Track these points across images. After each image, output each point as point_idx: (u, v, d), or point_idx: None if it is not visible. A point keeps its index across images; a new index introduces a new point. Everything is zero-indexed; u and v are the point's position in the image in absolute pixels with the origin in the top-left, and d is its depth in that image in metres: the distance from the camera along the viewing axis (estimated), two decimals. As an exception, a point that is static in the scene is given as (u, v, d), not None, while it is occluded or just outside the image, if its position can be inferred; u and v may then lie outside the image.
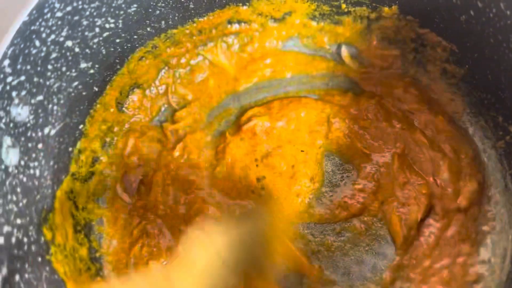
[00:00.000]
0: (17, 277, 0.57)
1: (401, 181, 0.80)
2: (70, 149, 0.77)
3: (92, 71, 0.76)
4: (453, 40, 0.81)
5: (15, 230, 0.60)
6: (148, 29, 0.81)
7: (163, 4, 0.79)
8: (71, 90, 0.73)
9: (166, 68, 0.89)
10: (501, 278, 0.76)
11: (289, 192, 0.82)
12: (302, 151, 0.84)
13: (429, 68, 0.87)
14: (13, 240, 0.59)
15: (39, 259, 0.64)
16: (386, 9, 0.84)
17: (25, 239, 0.61)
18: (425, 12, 0.80)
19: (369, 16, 0.86)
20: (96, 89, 0.79)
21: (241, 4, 0.87)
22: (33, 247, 0.63)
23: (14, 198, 0.61)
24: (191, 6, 0.83)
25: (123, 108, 0.86)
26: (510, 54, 0.69)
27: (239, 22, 0.89)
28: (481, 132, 0.83)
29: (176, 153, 0.85)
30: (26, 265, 0.60)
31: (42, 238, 0.66)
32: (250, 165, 0.84)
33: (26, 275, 0.59)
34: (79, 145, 0.78)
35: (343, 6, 0.86)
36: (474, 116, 0.84)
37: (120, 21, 0.75)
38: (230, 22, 0.89)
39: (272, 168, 0.83)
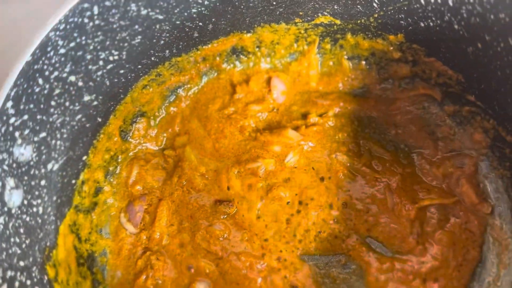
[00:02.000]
0: (19, 323, 0.57)
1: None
2: (74, 181, 0.76)
3: (95, 102, 0.75)
4: (459, 70, 0.80)
5: (18, 274, 0.59)
6: (153, 58, 0.81)
7: (167, 34, 0.78)
8: (74, 123, 0.72)
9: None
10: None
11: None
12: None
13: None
14: (16, 284, 0.58)
15: (42, 300, 0.63)
16: (391, 36, 0.84)
17: (28, 282, 0.61)
18: (431, 41, 0.79)
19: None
20: (100, 119, 0.79)
21: (245, 31, 0.86)
22: (36, 288, 0.62)
23: (17, 240, 0.61)
24: (196, 34, 0.82)
25: (127, 137, 0.86)
26: (518, 88, 0.69)
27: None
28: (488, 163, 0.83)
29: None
30: (29, 308, 0.59)
31: (46, 277, 0.65)
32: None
33: (29, 320, 0.59)
34: (82, 176, 0.78)
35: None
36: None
37: (124, 53, 0.75)
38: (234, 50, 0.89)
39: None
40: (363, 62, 0.91)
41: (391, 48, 0.86)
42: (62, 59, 0.65)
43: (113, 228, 0.83)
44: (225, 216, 0.82)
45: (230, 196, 0.84)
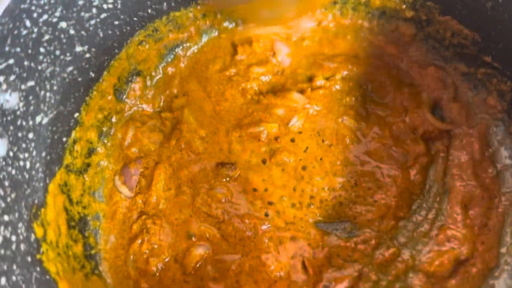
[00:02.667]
0: (3, 280, 0.52)
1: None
2: (64, 139, 0.71)
3: (88, 55, 0.70)
4: (476, 28, 0.76)
5: (2, 228, 0.55)
6: (149, 11, 0.76)
7: (165, -16, 0.74)
8: (65, 75, 0.67)
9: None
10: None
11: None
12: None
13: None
14: (0, 239, 0.54)
15: (29, 258, 0.58)
16: (404, -7, 0.79)
17: (14, 237, 0.56)
18: (447, -3, 0.75)
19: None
20: (93, 74, 0.74)
21: (248, -15, 0.81)
22: (22, 246, 0.58)
23: (1, 192, 0.56)
24: (196, -14, 0.78)
25: (122, 97, 0.81)
26: (541, 45, 0.64)
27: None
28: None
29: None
30: (14, 266, 0.55)
31: (33, 236, 0.61)
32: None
33: (14, 277, 0.54)
34: (73, 134, 0.73)
35: None
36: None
37: (119, 1, 0.70)
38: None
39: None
40: (375, 22, 0.86)
41: (404, 6, 0.82)
42: (52, 1, 0.60)
43: (107, 191, 0.78)
44: (228, 179, 0.78)
45: (232, 159, 0.80)
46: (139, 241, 0.74)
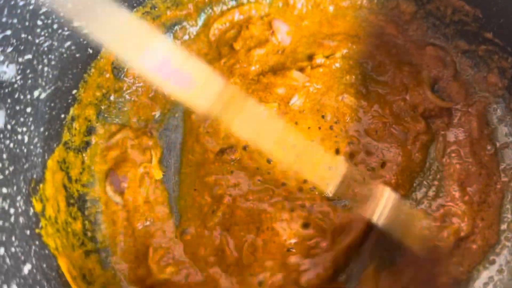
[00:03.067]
0: (1, 250, 0.52)
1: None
2: (63, 115, 0.71)
3: (86, 30, 0.69)
4: (477, 4, 0.75)
5: (0, 199, 0.54)
6: (148, -14, 0.75)
7: (164, -41, 0.73)
8: (63, 50, 0.67)
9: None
10: None
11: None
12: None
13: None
14: (-3, 210, 0.54)
15: (28, 232, 0.58)
16: (403, -30, 0.78)
17: (12, 210, 0.56)
18: (447, -28, 0.74)
19: None
20: (91, 51, 0.73)
21: (248, -38, 0.81)
22: (20, 219, 0.57)
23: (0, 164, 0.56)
24: (195, -38, 0.77)
25: (121, 75, 0.80)
26: (542, 19, 0.64)
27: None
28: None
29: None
30: (13, 238, 0.55)
31: (31, 210, 0.60)
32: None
33: (13, 249, 0.54)
34: (72, 111, 0.73)
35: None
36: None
37: (118, -24, 0.69)
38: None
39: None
40: (374, 1, 0.86)
41: (404, -17, 0.81)
42: (49, -28, 0.59)
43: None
44: (233, 163, 0.78)
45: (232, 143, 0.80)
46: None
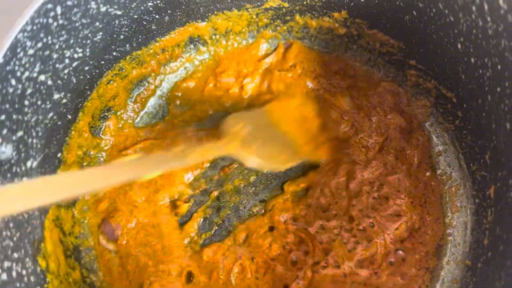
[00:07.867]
0: (22, 309, 0.60)
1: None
2: (52, 178, 0.79)
3: (64, 100, 0.78)
4: (400, 38, 0.88)
5: (14, 264, 0.62)
6: (114, 53, 0.84)
7: (126, 29, 0.82)
8: (47, 121, 0.75)
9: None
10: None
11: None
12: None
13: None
14: (14, 274, 0.61)
15: (39, 288, 0.66)
16: (336, 14, 0.91)
17: (24, 271, 0.64)
18: (372, 14, 0.87)
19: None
20: (70, 116, 0.82)
21: (200, 20, 0.91)
22: (32, 278, 0.65)
23: (9, 233, 0.63)
24: (153, 27, 0.87)
25: (99, 133, 0.89)
26: (452, 48, 0.77)
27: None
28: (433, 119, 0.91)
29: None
30: (29, 297, 0.63)
31: (38, 268, 0.68)
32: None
33: (30, 306, 0.62)
34: (59, 172, 0.81)
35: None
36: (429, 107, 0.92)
37: (88, 50, 0.78)
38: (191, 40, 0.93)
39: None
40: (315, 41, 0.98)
41: (337, 25, 0.93)
42: (31, 59, 0.68)
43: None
44: None
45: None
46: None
